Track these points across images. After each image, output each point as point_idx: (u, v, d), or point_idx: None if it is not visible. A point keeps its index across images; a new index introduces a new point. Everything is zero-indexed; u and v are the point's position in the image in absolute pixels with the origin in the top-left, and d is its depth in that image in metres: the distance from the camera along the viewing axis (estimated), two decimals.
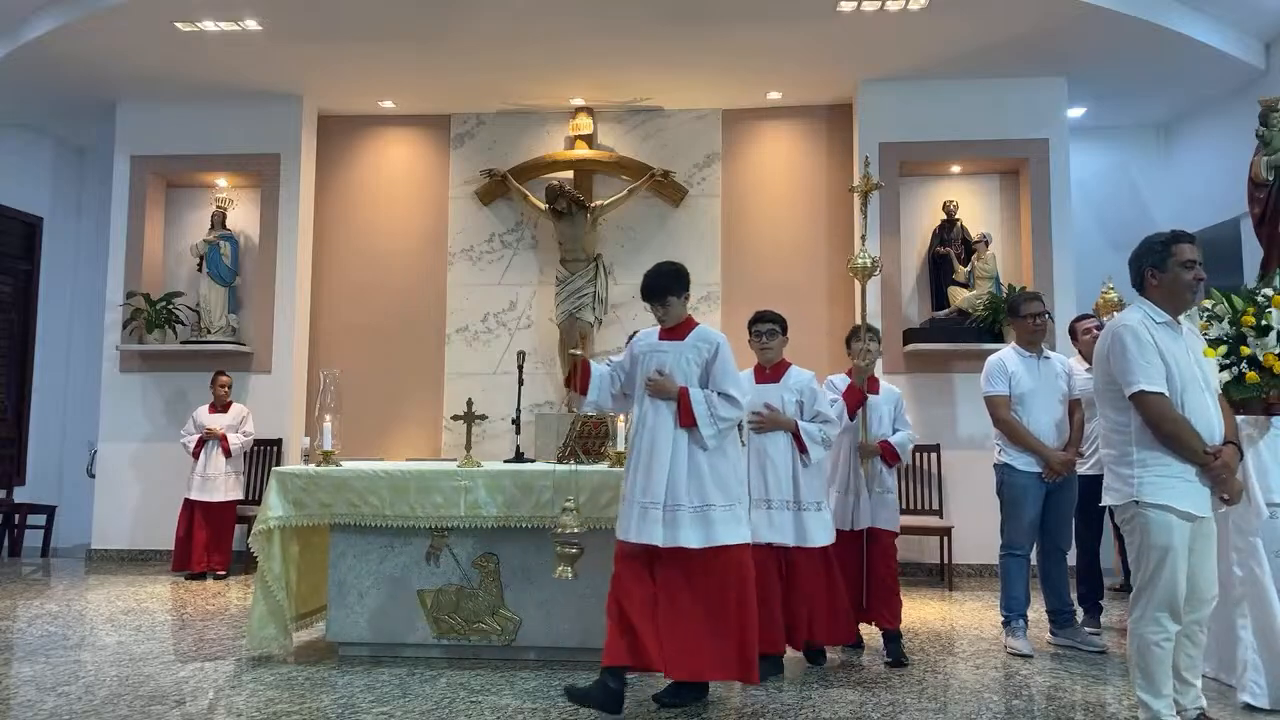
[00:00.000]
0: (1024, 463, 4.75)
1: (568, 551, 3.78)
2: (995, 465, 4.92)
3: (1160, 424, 3.10)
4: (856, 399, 4.63)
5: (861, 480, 4.63)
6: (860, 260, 5.02)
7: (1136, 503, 3.16)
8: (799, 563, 4.25)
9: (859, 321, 4.90)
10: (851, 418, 4.64)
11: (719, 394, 3.65)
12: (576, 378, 3.89)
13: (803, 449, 4.26)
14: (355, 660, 4.44)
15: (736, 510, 3.64)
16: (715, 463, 3.63)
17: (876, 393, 4.78)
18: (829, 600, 4.32)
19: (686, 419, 3.64)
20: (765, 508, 4.21)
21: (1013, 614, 4.76)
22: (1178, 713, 3.17)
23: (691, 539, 3.53)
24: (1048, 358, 4.82)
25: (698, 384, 3.69)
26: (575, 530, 3.80)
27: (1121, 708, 3.74)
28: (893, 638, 4.53)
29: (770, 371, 4.44)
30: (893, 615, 4.55)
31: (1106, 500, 3.34)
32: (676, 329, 3.82)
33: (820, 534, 4.25)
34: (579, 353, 3.99)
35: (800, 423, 4.28)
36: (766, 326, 4.43)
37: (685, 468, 3.61)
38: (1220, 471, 3.10)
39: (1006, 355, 4.82)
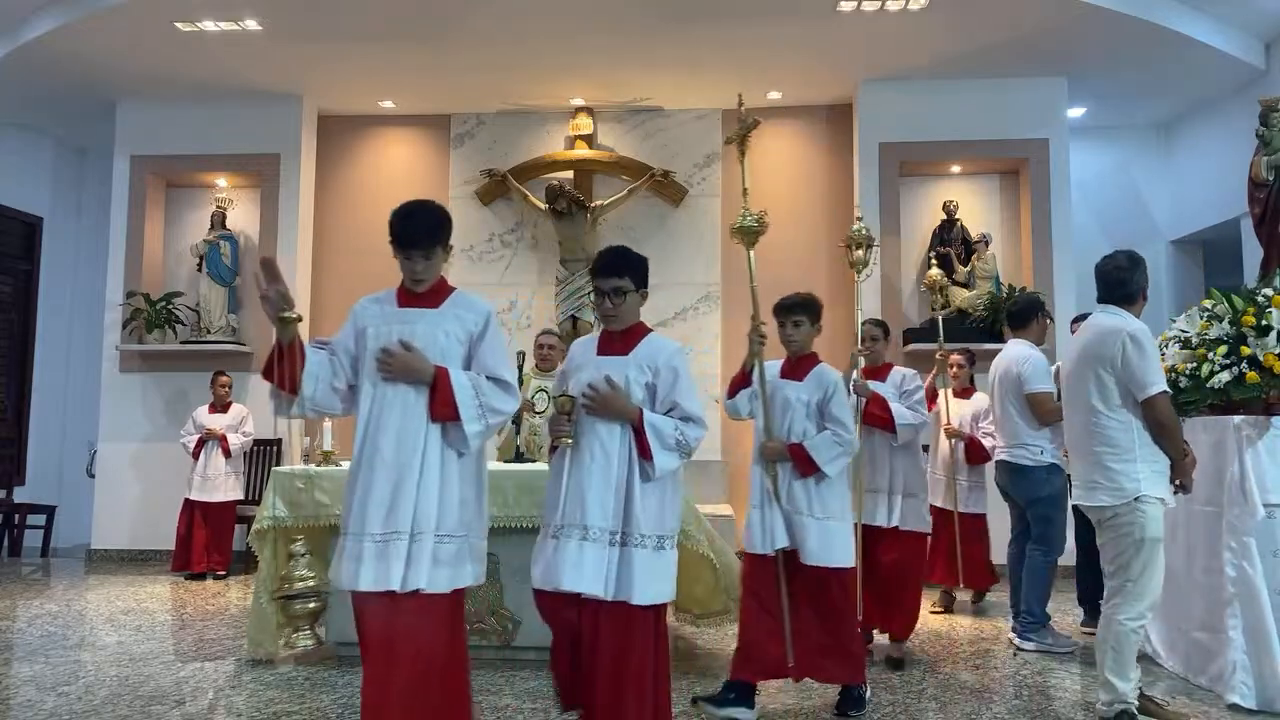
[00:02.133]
0: (1065, 463, 4.53)
1: (306, 608, 2.67)
2: (1037, 466, 4.68)
3: (1168, 422, 3.33)
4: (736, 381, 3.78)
5: (788, 491, 3.59)
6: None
7: (1138, 498, 3.30)
8: None
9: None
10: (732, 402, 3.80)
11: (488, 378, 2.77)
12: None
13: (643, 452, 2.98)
14: (355, 660, 4.43)
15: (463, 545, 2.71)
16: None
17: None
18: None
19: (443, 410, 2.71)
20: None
21: (1044, 618, 4.72)
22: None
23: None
24: None
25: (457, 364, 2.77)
26: (310, 582, 2.74)
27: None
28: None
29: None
30: (848, 671, 3.62)
31: (1101, 499, 3.38)
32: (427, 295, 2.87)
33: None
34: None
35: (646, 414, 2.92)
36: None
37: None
38: (1189, 466, 3.44)
39: (1040, 354, 4.79)
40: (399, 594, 2.58)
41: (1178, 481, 3.43)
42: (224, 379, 7.37)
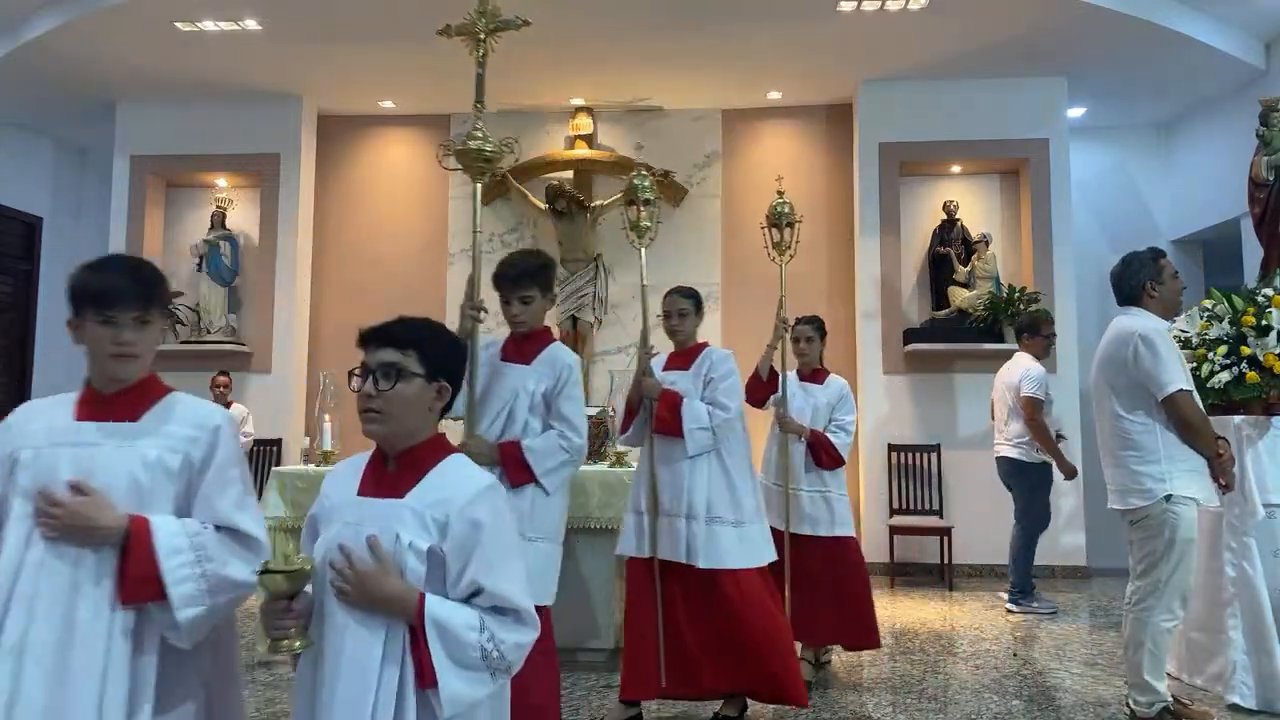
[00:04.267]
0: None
1: (284, 642, 1.69)
2: (1031, 463, 5.68)
3: (1193, 421, 3.31)
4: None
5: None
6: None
7: (1168, 498, 3.29)
8: None
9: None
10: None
11: None
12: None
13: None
14: None
15: None
16: None
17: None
18: None
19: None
20: None
21: (1028, 585, 5.74)
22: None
23: None
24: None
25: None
26: (282, 583, 1.69)
27: (1122, 709, 3.74)
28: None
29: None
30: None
31: (1132, 502, 3.36)
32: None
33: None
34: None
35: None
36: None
37: None
38: (1227, 463, 3.38)
39: (1036, 365, 5.68)
40: None
41: (1221, 480, 3.41)
42: (222, 379, 7.36)
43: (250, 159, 7.93)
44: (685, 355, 3.67)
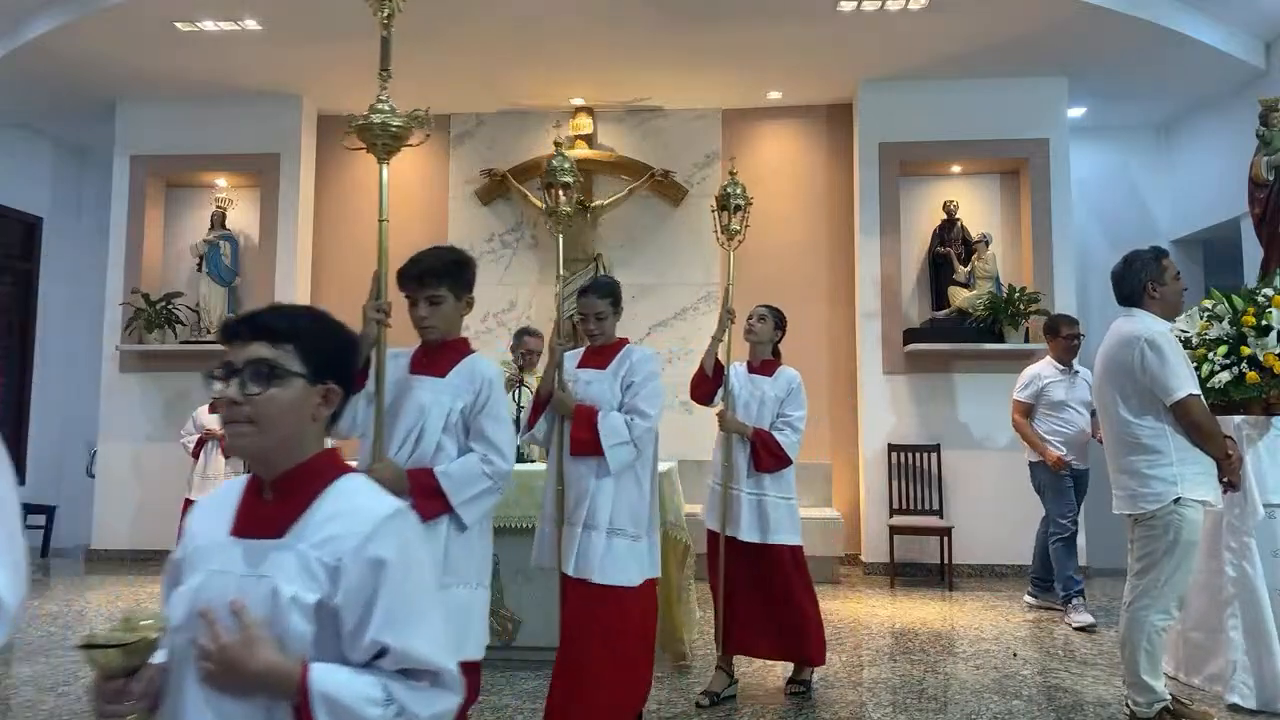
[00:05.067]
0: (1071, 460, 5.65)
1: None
2: (1031, 464, 5.79)
3: (1204, 424, 3.31)
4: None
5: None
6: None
7: (1177, 500, 3.29)
8: None
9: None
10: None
11: None
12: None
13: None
14: None
15: None
16: None
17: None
18: None
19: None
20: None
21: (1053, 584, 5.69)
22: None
23: None
24: (1076, 372, 5.71)
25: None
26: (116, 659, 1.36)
27: (1121, 708, 3.74)
28: None
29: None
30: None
31: (1144, 506, 3.36)
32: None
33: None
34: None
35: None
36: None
37: None
38: (1237, 464, 3.41)
39: (1042, 368, 5.77)
40: None
41: (1226, 480, 3.42)
42: None
43: (250, 159, 7.93)
44: (603, 352, 3.34)
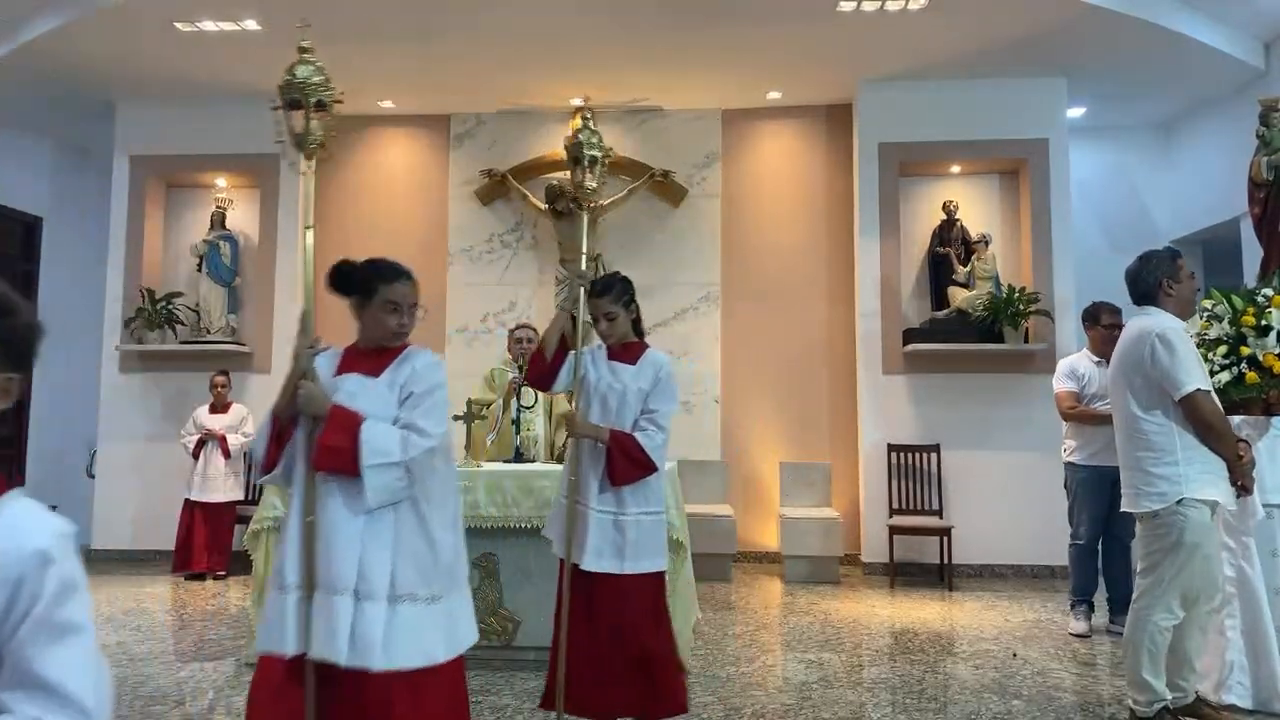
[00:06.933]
0: (1083, 457, 5.19)
1: None
2: (1066, 463, 5.34)
3: (1213, 422, 3.28)
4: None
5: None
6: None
7: (1180, 500, 3.27)
8: None
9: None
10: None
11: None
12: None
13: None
14: None
15: None
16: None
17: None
18: None
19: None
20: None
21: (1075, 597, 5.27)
22: (1187, 696, 3.39)
23: None
24: None
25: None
26: None
27: (1121, 709, 3.74)
28: None
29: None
30: None
31: (1146, 505, 3.36)
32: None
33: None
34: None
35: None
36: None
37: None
38: (1248, 466, 3.38)
39: (1078, 360, 5.37)
40: None
41: (1239, 483, 3.39)
42: (219, 379, 7.36)
43: (250, 159, 7.93)
44: (376, 356, 2.55)
